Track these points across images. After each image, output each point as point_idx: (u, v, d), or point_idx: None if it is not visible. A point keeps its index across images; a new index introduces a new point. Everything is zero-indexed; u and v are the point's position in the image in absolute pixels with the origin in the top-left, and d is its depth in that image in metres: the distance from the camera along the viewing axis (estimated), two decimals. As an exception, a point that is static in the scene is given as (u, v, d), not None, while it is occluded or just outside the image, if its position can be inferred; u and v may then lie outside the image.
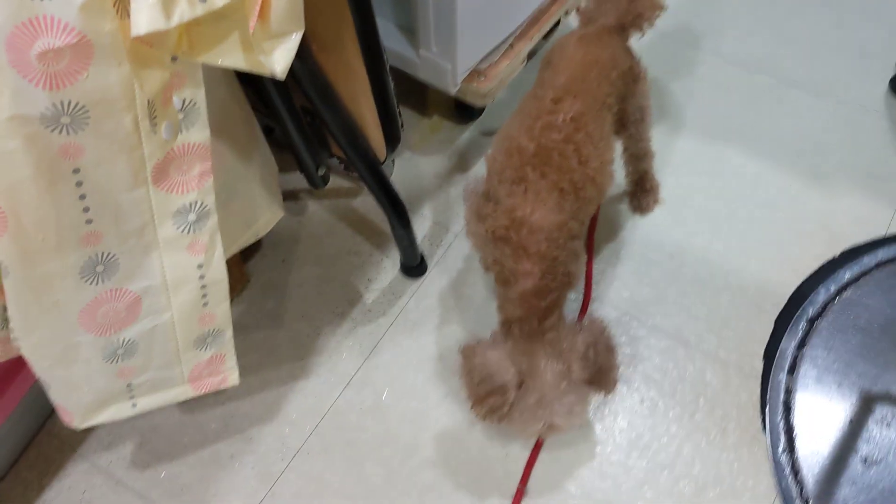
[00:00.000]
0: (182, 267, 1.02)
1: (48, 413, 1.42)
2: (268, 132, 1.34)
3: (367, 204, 1.67)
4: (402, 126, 1.44)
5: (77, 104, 0.80)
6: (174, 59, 0.84)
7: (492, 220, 1.19)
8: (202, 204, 0.98)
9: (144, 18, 0.75)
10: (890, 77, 1.79)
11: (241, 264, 1.56)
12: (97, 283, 0.97)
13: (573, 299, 1.52)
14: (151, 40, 0.79)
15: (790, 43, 1.91)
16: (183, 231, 0.99)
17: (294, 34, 0.85)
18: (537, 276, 1.15)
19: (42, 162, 0.83)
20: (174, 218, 0.98)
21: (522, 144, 1.19)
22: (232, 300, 1.53)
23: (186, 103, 0.88)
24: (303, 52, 1.15)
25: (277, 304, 1.55)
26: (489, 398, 1.13)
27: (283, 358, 1.48)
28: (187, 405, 1.43)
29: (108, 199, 0.91)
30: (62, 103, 0.79)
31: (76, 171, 0.86)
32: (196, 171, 0.95)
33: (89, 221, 0.91)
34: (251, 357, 1.47)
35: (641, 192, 1.63)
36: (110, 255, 0.96)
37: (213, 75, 1.06)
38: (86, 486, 1.36)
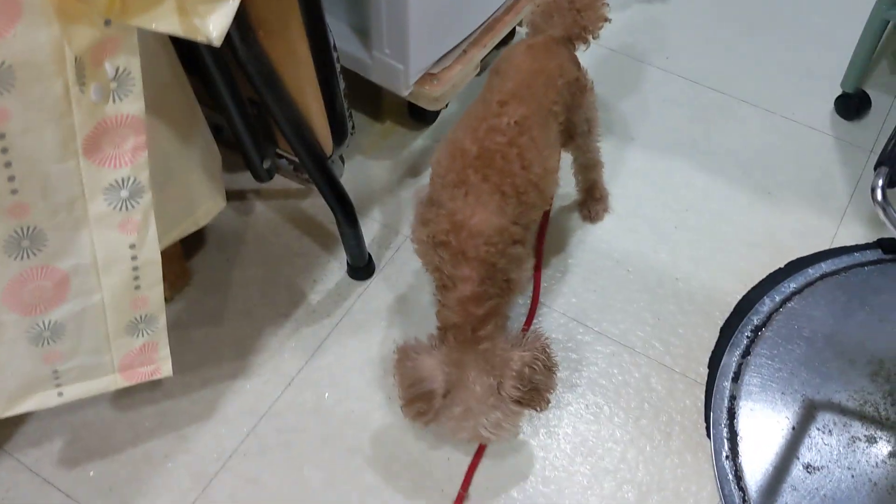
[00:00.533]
0: (113, 246, 0.99)
1: (-27, 409, 1.36)
2: (217, 131, 1.32)
3: (315, 206, 1.65)
4: (353, 129, 1.43)
5: (3, 63, 0.78)
6: (107, 22, 0.82)
7: (433, 225, 1.17)
8: (135, 180, 0.96)
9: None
10: (835, 97, 1.82)
11: (183, 261, 1.52)
12: (23, 258, 0.94)
13: (521, 304, 1.51)
14: (80, -1, 0.77)
15: (740, 62, 1.94)
16: (115, 207, 0.96)
17: (230, -1, 0.84)
18: (476, 282, 1.13)
19: (-36, 123, 0.80)
20: (106, 193, 0.95)
21: (465, 147, 1.18)
22: (172, 297, 1.50)
23: (120, 71, 0.86)
24: (248, 37, 1.14)
25: (219, 302, 1.51)
26: (416, 402, 1.12)
27: (223, 357, 1.44)
28: (121, 402, 1.39)
29: (35, 169, 0.88)
30: (-13, 60, 0.77)
31: (1, 136, 0.83)
32: (129, 145, 0.93)
33: (14, 192, 0.88)
34: (190, 355, 1.43)
35: (591, 200, 1.63)
36: (37, 230, 0.93)
37: (154, 56, 1.04)
38: (10, 485, 1.30)
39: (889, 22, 1.66)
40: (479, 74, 1.71)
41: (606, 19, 1.41)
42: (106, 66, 0.85)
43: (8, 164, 0.85)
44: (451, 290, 1.14)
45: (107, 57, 0.84)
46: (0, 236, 0.90)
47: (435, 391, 1.11)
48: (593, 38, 1.41)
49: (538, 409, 1.15)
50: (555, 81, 1.28)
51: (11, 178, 0.87)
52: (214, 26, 0.82)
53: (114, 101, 0.88)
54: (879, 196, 1.03)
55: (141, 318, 1.09)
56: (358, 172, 1.70)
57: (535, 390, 1.12)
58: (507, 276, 1.16)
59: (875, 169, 1.05)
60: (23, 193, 0.89)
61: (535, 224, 1.27)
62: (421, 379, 1.12)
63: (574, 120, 1.39)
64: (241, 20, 1.13)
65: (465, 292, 1.13)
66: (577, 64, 1.39)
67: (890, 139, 1.10)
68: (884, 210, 1.05)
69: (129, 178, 0.95)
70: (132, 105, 0.89)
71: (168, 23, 0.82)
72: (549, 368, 1.14)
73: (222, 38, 0.83)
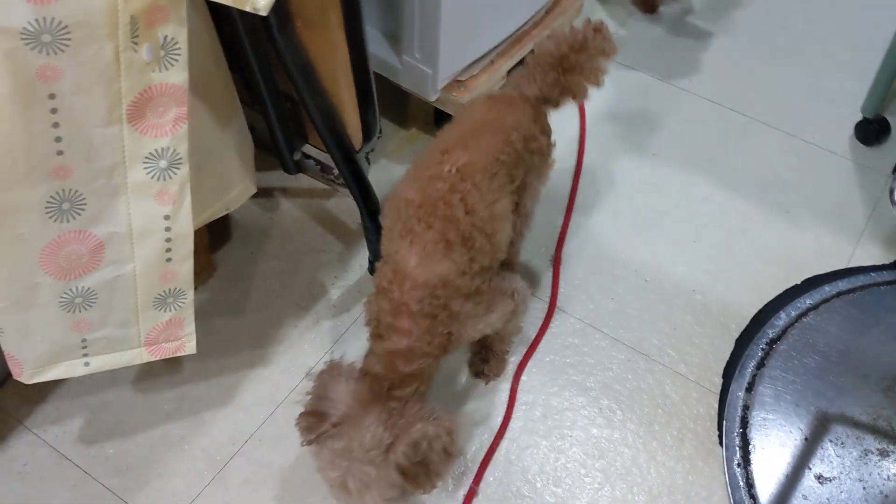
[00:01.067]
0: (149, 216, 1.02)
1: (-4, 384, 1.39)
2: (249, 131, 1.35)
3: (339, 206, 1.68)
4: (380, 131, 1.46)
5: (60, 22, 0.81)
6: (162, -12, 0.86)
7: (378, 276, 1.14)
8: (175, 151, 0.99)
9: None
10: (855, 123, 1.85)
11: (209, 253, 1.55)
12: (62, 222, 0.97)
13: (537, 308, 1.53)
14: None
15: (764, 86, 1.97)
16: (153, 177, 1.00)
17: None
18: (413, 337, 1.07)
19: (19, 81, 0.83)
20: (145, 162, 0.98)
21: (409, 197, 1.13)
22: (196, 288, 1.52)
23: (168, 40, 0.90)
24: (287, 28, 1.18)
25: (242, 294, 1.54)
26: (310, 416, 1.09)
27: (243, 345, 1.47)
28: (141, 385, 1.41)
29: (81, 132, 0.91)
30: (45, 19, 0.80)
31: (52, 96, 0.87)
32: (171, 115, 0.96)
33: (60, 153, 0.91)
34: (211, 342, 1.45)
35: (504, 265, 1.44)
36: (77, 193, 0.96)
37: (198, 38, 1.08)
38: (28, 459, 1.32)
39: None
40: (503, 86, 1.74)
41: (598, 84, 1.31)
42: (160, 30, 0.88)
43: (56, 125, 0.89)
44: (384, 340, 1.10)
45: (157, 25, 0.88)
46: (42, 196, 0.93)
47: (329, 415, 1.07)
48: (575, 102, 1.33)
49: (420, 489, 1.08)
50: (508, 133, 1.19)
51: (58, 139, 0.90)
52: (262, -4, 0.86)
53: (160, 69, 0.91)
54: None
55: (169, 291, 1.11)
56: (382, 175, 1.73)
57: (424, 467, 1.06)
58: (448, 329, 1.10)
59: (893, 173, 1.07)
60: (68, 155, 0.92)
61: (492, 275, 1.18)
62: (326, 398, 1.08)
63: (528, 182, 1.28)
64: (282, 11, 1.17)
65: (398, 345, 1.08)
66: (543, 127, 1.29)
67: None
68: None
69: (168, 149, 0.98)
70: (177, 75, 0.93)
71: (218, -10, 0.86)
72: (448, 453, 1.08)
73: (269, 8, 0.87)
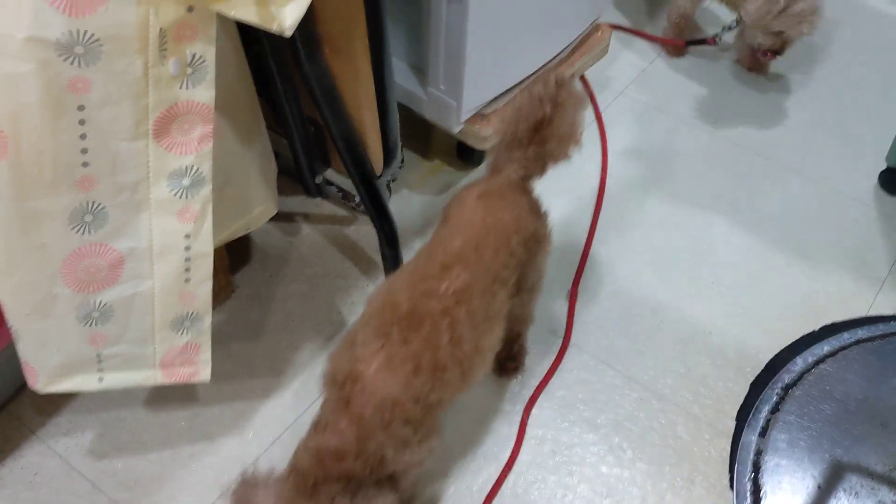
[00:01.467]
0: (170, 233, 1.04)
1: (10, 394, 1.40)
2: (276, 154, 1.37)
3: (359, 233, 1.69)
4: (402, 161, 1.48)
5: (92, 35, 0.84)
6: (190, 9, 0.88)
7: (335, 359, 1.08)
8: (198, 169, 1.00)
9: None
10: (880, 171, 1.84)
11: (228, 274, 1.57)
12: (84, 233, 0.99)
13: (552, 342, 1.52)
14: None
15: (789, 130, 1.97)
16: (176, 194, 1.01)
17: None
18: (346, 440, 1.01)
19: (51, 91, 0.86)
20: (169, 179, 1.00)
21: (397, 301, 1.07)
22: (215, 308, 1.54)
23: (196, 58, 0.92)
24: (315, 55, 1.20)
25: (260, 316, 1.55)
26: None
27: (258, 368, 1.47)
28: (154, 403, 1.42)
29: (107, 145, 0.93)
30: (79, 32, 0.83)
31: (81, 107, 0.89)
32: (197, 133, 0.98)
33: (86, 164, 0.93)
34: (226, 365, 1.46)
35: (507, 353, 1.45)
36: (101, 206, 0.98)
37: (225, 58, 1.10)
38: (38, 469, 1.33)
39: (936, 101, 1.69)
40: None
41: (577, 141, 1.23)
42: (186, 52, 0.90)
43: (83, 136, 0.91)
44: (318, 433, 1.04)
45: (186, 42, 0.90)
46: (66, 207, 0.95)
47: None
48: (553, 163, 1.24)
49: None
50: (508, 240, 1.13)
51: (84, 151, 0.92)
52: (288, 15, 0.88)
53: (187, 86, 0.94)
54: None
55: (187, 315, 1.12)
56: (403, 206, 1.74)
57: None
58: (382, 453, 1.02)
59: None
60: (93, 167, 0.94)
61: (442, 410, 1.10)
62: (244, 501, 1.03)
63: (525, 273, 1.22)
64: (310, 36, 1.19)
65: (330, 443, 1.01)
66: (537, 211, 1.23)
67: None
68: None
69: (192, 167, 1.00)
70: (204, 93, 0.95)
71: (246, 11, 0.88)
72: None
73: (293, 29, 0.89)
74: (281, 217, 1.70)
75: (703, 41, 2.10)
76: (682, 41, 2.12)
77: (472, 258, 1.10)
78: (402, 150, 1.44)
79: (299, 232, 1.70)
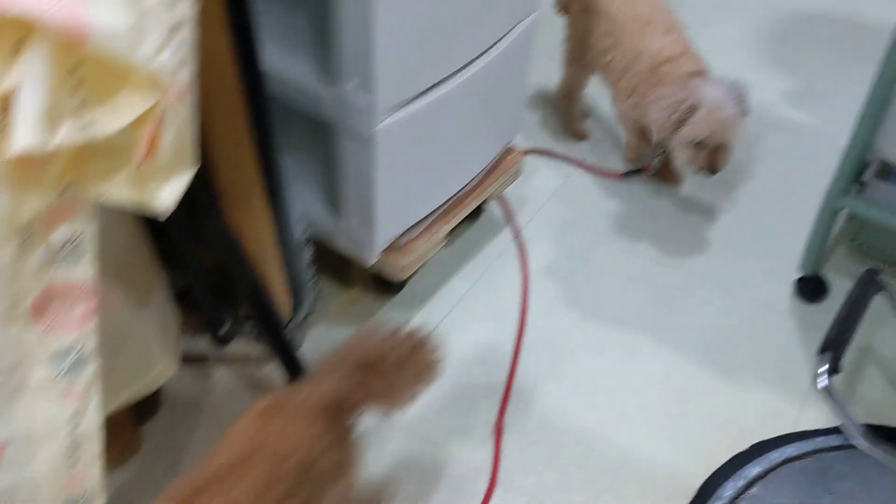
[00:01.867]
0: (52, 417, 0.96)
1: None
2: (184, 293, 1.32)
3: (275, 373, 1.63)
4: (314, 300, 1.44)
5: (-47, 229, 0.78)
6: (62, 193, 0.84)
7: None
8: (81, 348, 0.94)
9: (22, 137, 0.75)
10: (794, 280, 1.86)
11: (135, 427, 1.49)
12: (-45, 425, 0.91)
13: (477, 483, 1.47)
14: (32, 164, 0.79)
15: (705, 243, 1.99)
16: (58, 376, 0.95)
17: (183, 172, 0.86)
18: None
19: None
20: (50, 361, 0.93)
21: None
22: (119, 465, 1.45)
23: (73, 238, 0.87)
24: (214, 209, 1.16)
25: (167, 471, 1.46)
26: None
27: (165, 530, 1.38)
28: (52, 578, 1.31)
29: (-23, 334, 0.87)
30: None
31: (-53, 299, 0.83)
32: (77, 312, 0.92)
33: (-46, 356, 0.87)
34: (131, 527, 1.37)
35: None
36: (-27, 396, 0.91)
37: (114, 219, 1.06)
38: None
39: (843, 208, 1.72)
40: (445, 246, 1.74)
41: (402, 407, 1.11)
42: (59, 230, 0.86)
43: (-51, 331, 0.84)
44: None
45: (60, 222, 0.85)
46: (-67, 402, 0.88)
47: None
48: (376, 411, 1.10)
49: None
50: (279, 461, 0.96)
51: (-49, 345, 0.85)
52: (165, 199, 0.84)
53: (64, 266, 0.88)
54: (822, 383, 1.01)
55: (78, 497, 1.04)
56: (322, 339, 1.69)
57: None
58: None
59: (818, 354, 1.04)
60: (-38, 359, 0.87)
61: None
62: None
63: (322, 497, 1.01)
64: (209, 191, 1.16)
65: None
66: (340, 435, 1.04)
67: (833, 325, 1.10)
68: (829, 396, 1.03)
69: (74, 347, 0.94)
70: (83, 271, 0.90)
71: (119, 194, 0.84)
72: None
73: (170, 211, 0.85)
74: (194, 358, 1.64)
75: (638, 171, 2.13)
76: (619, 173, 2.15)
77: (227, 479, 0.94)
78: (316, 287, 1.40)
79: (211, 376, 1.63)
